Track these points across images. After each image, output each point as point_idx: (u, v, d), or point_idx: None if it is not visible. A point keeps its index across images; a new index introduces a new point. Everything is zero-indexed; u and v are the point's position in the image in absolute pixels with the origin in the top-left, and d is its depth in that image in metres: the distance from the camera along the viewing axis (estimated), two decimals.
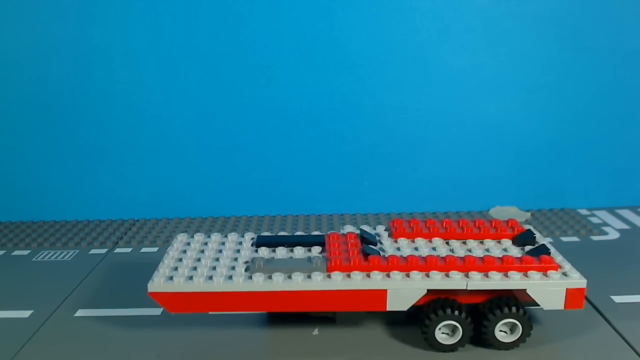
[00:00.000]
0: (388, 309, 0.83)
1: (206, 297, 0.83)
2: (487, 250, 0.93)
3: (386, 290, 0.82)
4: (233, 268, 0.86)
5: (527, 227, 0.97)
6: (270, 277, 0.83)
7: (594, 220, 1.31)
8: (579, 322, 0.91)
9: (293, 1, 1.25)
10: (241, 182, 1.33)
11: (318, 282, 0.82)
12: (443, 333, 0.85)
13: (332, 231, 0.98)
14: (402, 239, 0.95)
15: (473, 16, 1.27)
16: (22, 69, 1.29)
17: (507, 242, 0.95)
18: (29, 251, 1.20)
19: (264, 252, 0.92)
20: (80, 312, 0.96)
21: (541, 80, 1.31)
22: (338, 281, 0.82)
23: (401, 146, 1.34)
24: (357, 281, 0.82)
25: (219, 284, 0.82)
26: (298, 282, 0.82)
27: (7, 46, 1.27)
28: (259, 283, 0.82)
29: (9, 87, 1.30)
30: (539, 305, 0.84)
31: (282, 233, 1.00)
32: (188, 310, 0.84)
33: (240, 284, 0.82)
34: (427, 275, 0.83)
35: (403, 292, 0.83)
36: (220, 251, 0.91)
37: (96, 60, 1.28)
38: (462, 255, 0.88)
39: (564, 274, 0.83)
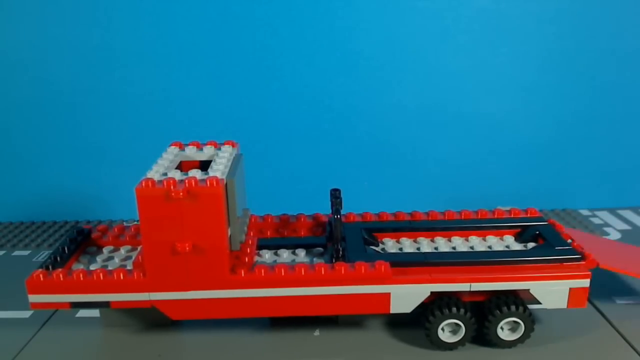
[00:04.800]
0: (392, 311, 0.83)
1: (208, 304, 0.83)
2: (490, 247, 0.93)
3: (389, 293, 0.82)
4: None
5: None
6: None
7: (595, 220, 1.30)
8: (580, 323, 0.91)
9: (293, 1, 1.25)
10: None
11: (321, 286, 0.83)
12: (446, 331, 0.85)
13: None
14: (404, 238, 0.95)
15: (473, 16, 1.27)
16: (22, 69, 1.28)
17: (509, 239, 0.95)
18: (29, 251, 1.20)
19: (266, 255, 0.92)
20: (80, 313, 0.96)
21: (541, 80, 1.31)
22: (341, 285, 0.82)
23: (401, 146, 1.34)
24: (361, 284, 0.82)
25: (220, 291, 0.82)
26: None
27: (8, 47, 1.27)
28: (262, 288, 0.82)
29: (9, 88, 1.29)
30: (541, 303, 0.84)
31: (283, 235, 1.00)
32: (190, 317, 0.84)
33: (242, 289, 0.82)
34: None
35: (406, 294, 0.83)
36: None
37: (96, 61, 1.27)
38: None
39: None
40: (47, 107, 1.30)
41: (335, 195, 0.90)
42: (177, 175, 0.81)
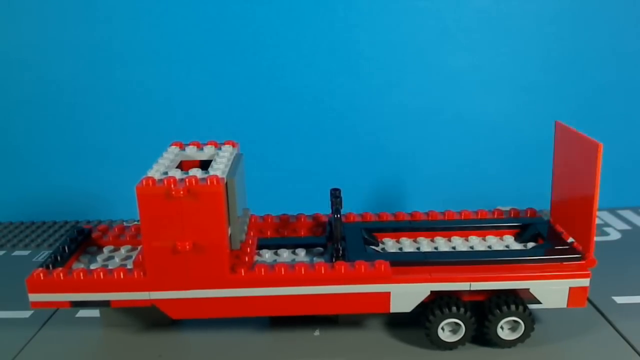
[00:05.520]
0: (392, 310, 0.83)
1: (208, 303, 0.83)
2: (490, 247, 0.93)
3: (389, 292, 0.82)
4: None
5: None
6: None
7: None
8: (580, 323, 0.91)
9: (294, 1, 1.25)
10: None
11: (321, 285, 0.82)
12: (446, 331, 0.85)
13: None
14: (404, 238, 0.95)
15: (473, 16, 1.27)
16: (22, 69, 1.28)
17: (509, 239, 0.95)
18: (29, 251, 1.20)
19: (266, 254, 0.92)
20: (80, 313, 0.96)
21: (541, 80, 1.31)
22: (341, 284, 0.82)
23: (401, 146, 1.34)
24: (360, 284, 0.82)
25: (220, 290, 0.82)
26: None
27: (8, 46, 1.27)
28: (262, 287, 0.82)
29: (9, 88, 1.30)
30: (541, 302, 0.84)
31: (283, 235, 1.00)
32: (191, 316, 0.84)
33: (243, 288, 0.82)
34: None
35: (406, 293, 0.83)
36: None
37: (97, 60, 1.27)
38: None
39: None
40: (47, 107, 1.30)
41: (335, 195, 0.90)
42: (177, 174, 0.81)
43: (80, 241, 0.94)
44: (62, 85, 1.29)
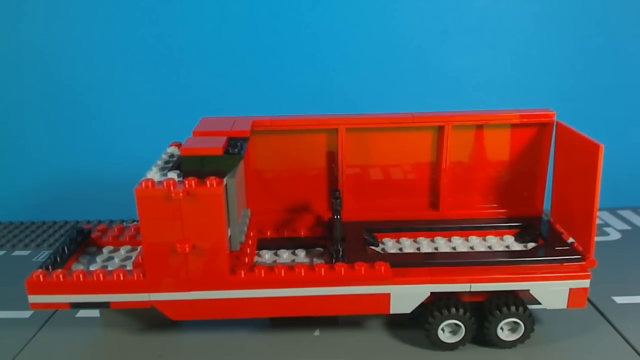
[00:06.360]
0: (392, 312, 0.83)
1: (208, 305, 0.83)
2: (490, 247, 0.93)
3: (389, 293, 0.82)
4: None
5: None
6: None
7: None
8: (580, 323, 0.91)
9: (294, 1, 1.25)
10: None
11: (321, 287, 0.82)
12: (446, 332, 0.85)
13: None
14: (404, 238, 0.95)
15: (473, 16, 1.27)
16: (22, 70, 1.28)
17: (509, 239, 0.95)
18: (29, 251, 1.20)
19: (265, 255, 0.92)
20: (80, 313, 0.96)
21: (541, 80, 1.31)
22: (341, 285, 0.82)
23: None
24: (360, 285, 0.82)
25: (220, 291, 0.82)
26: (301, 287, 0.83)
27: (8, 45, 1.27)
28: (262, 289, 0.82)
29: (10, 87, 1.29)
30: (541, 303, 0.84)
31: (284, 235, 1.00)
32: (190, 318, 0.84)
33: (242, 290, 0.82)
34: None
35: (406, 295, 0.83)
36: None
37: (97, 60, 1.27)
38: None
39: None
40: (47, 107, 1.30)
41: (335, 195, 0.90)
42: (176, 175, 0.81)
43: (80, 241, 0.94)
44: (62, 85, 1.29)
